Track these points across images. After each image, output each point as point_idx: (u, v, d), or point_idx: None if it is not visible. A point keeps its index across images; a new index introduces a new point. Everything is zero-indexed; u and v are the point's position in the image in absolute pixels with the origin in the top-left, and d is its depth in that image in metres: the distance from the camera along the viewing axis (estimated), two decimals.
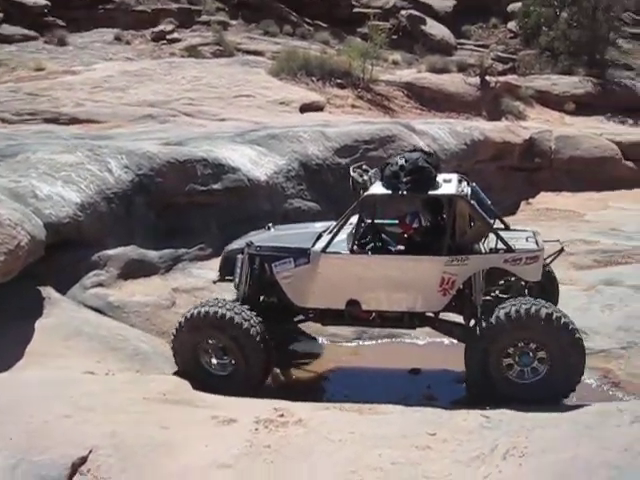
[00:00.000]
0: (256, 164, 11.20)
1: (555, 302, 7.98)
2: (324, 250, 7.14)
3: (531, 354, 6.74)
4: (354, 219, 7.36)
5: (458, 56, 27.70)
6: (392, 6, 29.43)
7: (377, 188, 7.25)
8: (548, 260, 7.76)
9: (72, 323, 7.48)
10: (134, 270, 8.92)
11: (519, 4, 30.12)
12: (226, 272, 7.74)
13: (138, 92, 17.11)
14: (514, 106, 22.54)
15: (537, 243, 7.27)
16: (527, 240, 7.35)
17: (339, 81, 20.75)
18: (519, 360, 6.76)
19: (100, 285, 8.49)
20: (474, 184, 7.61)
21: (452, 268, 6.89)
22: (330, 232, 7.34)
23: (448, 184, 7.19)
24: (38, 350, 6.87)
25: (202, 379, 7.09)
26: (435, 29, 29.55)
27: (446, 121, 18.08)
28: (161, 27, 25.60)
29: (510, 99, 22.80)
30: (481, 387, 6.89)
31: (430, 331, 7.71)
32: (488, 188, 15.72)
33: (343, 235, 7.29)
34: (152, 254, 9.24)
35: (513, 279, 7.46)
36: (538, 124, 20.68)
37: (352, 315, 7.37)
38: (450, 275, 6.91)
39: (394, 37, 23.49)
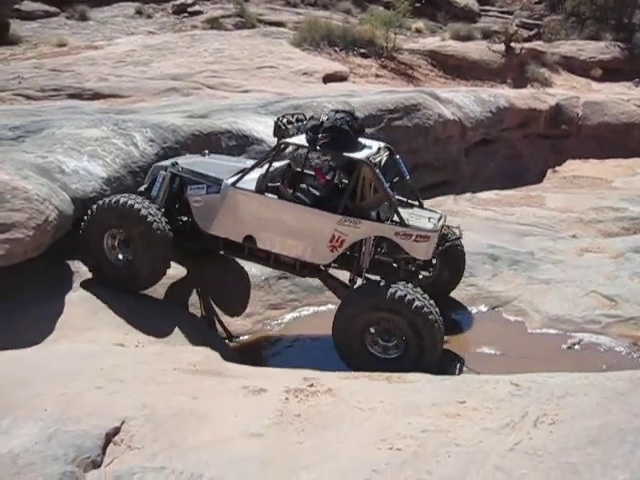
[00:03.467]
0: None
1: (459, 277, 8.68)
2: (234, 184, 7.55)
3: (390, 332, 6.96)
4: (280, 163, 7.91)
5: (482, 23, 27.38)
6: None
7: (296, 138, 7.62)
8: (445, 246, 8.09)
9: (100, 296, 7.55)
10: None
11: None
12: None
13: (161, 66, 17.07)
14: (540, 73, 22.19)
15: (435, 225, 7.50)
16: (429, 220, 7.59)
17: (362, 51, 20.53)
18: (379, 335, 7.00)
19: None
20: (397, 157, 7.87)
21: (344, 228, 7.22)
22: (247, 169, 7.66)
23: (366, 149, 7.43)
24: (68, 323, 6.94)
25: (107, 270, 7.69)
26: None
27: (471, 89, 17.89)
28: (182, 0, 25.50)
29: (536, 66, 22.44)
30: (342, 351, 7.10)
31: None
32: (514, 156, 15.90)
33: (257, 174, 7.57)
34: None
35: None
36: (564, 91, 20.40)
37: (251, 251, 7.77)
38: (340, 234, 7.24)
39: (417, 5, 23.11)
